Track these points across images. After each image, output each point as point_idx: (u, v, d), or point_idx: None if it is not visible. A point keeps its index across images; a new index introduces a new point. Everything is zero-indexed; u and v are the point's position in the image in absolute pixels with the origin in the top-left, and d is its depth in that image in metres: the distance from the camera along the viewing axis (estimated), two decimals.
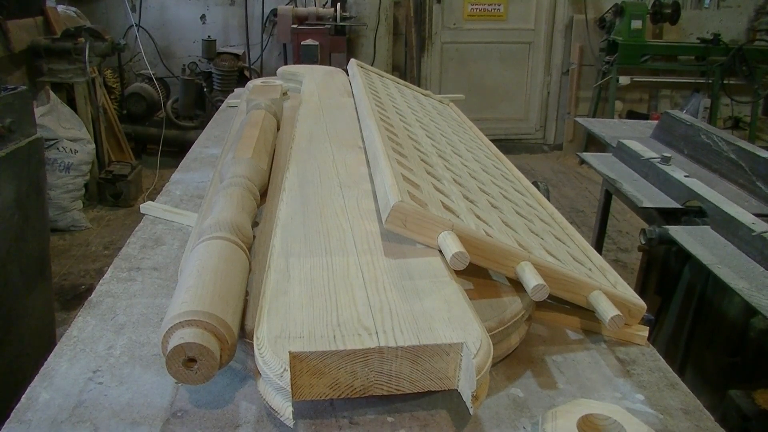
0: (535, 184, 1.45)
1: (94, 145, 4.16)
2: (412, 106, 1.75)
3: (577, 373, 0.88)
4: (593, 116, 5.74)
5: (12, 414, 0.76)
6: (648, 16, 5.46)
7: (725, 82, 5.43)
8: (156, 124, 5.17)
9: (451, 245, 0.85)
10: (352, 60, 1.99)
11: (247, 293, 0.84)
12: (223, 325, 0.70)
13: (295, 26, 5.00)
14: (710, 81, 5.51)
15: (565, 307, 1.00)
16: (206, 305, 0.71)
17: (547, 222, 1.20)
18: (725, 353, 1.77)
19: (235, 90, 2.50)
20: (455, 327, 0.74)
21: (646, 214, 1.95)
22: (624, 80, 5.50)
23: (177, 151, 4.85)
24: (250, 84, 1.89)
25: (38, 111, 3.72)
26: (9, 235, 1.98)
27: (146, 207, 1.36)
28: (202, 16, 5.66)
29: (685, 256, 1.86)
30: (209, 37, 5.34)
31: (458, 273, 0.89)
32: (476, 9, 5.86)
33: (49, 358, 0.87)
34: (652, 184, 1.98)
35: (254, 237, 0.99)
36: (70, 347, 0.89)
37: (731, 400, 1.50)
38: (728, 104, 5.70)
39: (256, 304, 0.80)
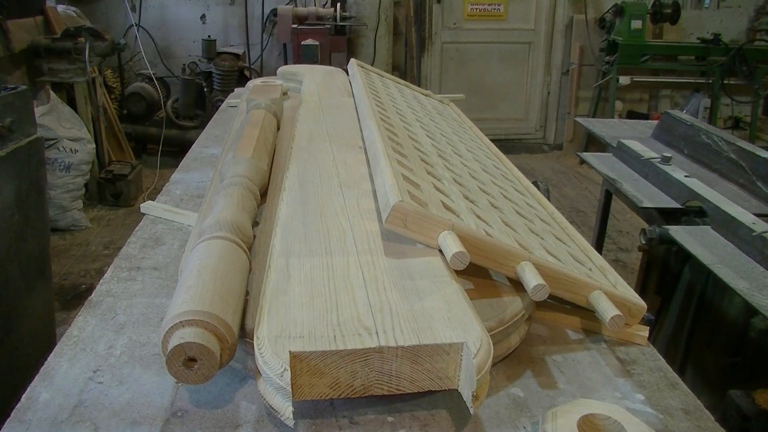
0: (535, 184, 1.45)
1: (94, 145, 4.16)
2: (412, 106, 1.75)
3: (577, 373, 0.88)
4: (593, 116, 5.74)
5: (12, 414, 0.76)
6: (648, 16, 5.46)
7: (725, 82, 5.43)
8: (156, 123, 5.17)
9: (452, 245, 0.85)
10: (352, 60, 1.99)
11: (247, 293, 0.84)
12: (223, 325, 0.70)
13: (295, 26, 5.00)
14: (710, 81, 5.51)
15: (565, 307, 1.00)
16: (206, 305, 0.71)
17: (548, 222, 1.20)
18: (725, 353, 1.77)
19: (235, 90, 2.50)
20: (455, 327, 0.74)
21: (646, 214, 1.95)
22: (624, 80, 5.50)
23: (177, 150, 4.86)
24: (250, 84, 1.89)
25: (38, 111, 3.72)
26: (9, 235, 1.98)
27: (146, 207, 1.36)
28: (202, 16, 5.66)
29: (685, 256, 1.86)
30: (209, 36, 5.34)
31: (458, 273, 0.89)
32: (476, 9, 5.86)
33: (49, 358, 0.87)
34: (652, 184, 1.98)
35: (254, 237, 0.99)
36: (70, 347, 0.89)
37: (731, 400, 1.50)
38: (728, 104, 5.70)
39: (256, 303, 0.80)
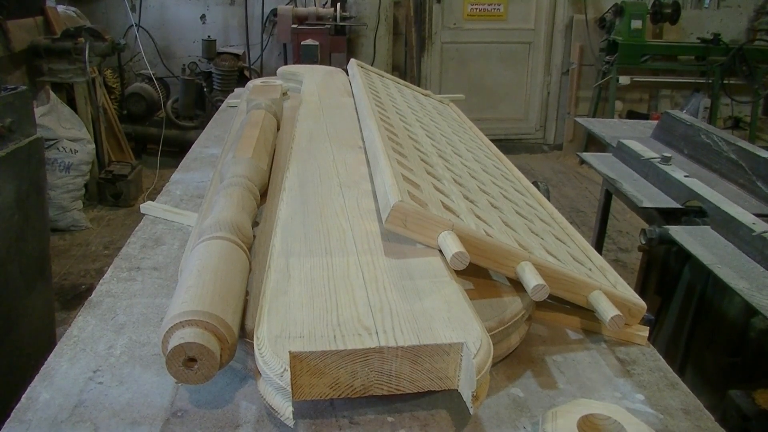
0: (535, 184, 1.45)
1: (94, 145, 4.16)
2: (412, 106, 1.75)
3: (577, 373, 0.88)
4: (593, 116, 5.74)
5: (12, 414, 0.76)
6: (648, 16, 5.46)
7: (725, 82, 5.43)
8: (156, 124, 5.17)
9: (452, 245, 0.85)
10: (352, 60, 1.99)
11: (247, 293, 0.84)
12: (223, 325, 0.70)
13: (295, 26, 5.00)
14: (710, 81, 5.51)
15: (565, 307, 1.00)
16: (206, 305, 0.71)
17: (547, 222, 1.20)
18: (725, 353, 1.77)
19: (235, 90, 2.50)
20: (455, 327, 0.74)
21: (646, 214, 1.95)
22: (624, 80, 5.50)
23: (177, 151, 4.86)
24: (250, 84, 1.89)
25: (38, 111, 3.72)
26: (9, 235, 1.98)
27: (146, 207, 1.36)
28: (202, 16, 5.66)
29: (685, 256, 1.86)
30: (209, 37, 5.34)
31: (458, 273, 0.89)
32: (476, 9, 5.86)
33: (49, 358, 0.87)
34: (652, 184, 1.98)
35: (254, 237, 0.99)
36: (70, 347, 0.89)
37: (731, 400, 1.50)
38: (728, 104, 5.70)
39: (256, 303, 0.80)
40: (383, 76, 2.01)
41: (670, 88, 6.05)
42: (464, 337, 0.73)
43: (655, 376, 0.89)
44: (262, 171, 1.16)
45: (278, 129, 1.51)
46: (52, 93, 3.96)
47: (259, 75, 5.60)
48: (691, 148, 2.19)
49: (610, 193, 2.41)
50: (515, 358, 0.91)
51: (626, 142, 2.21)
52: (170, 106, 5.20)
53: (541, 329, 0.99)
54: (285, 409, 0.69)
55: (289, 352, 0.68)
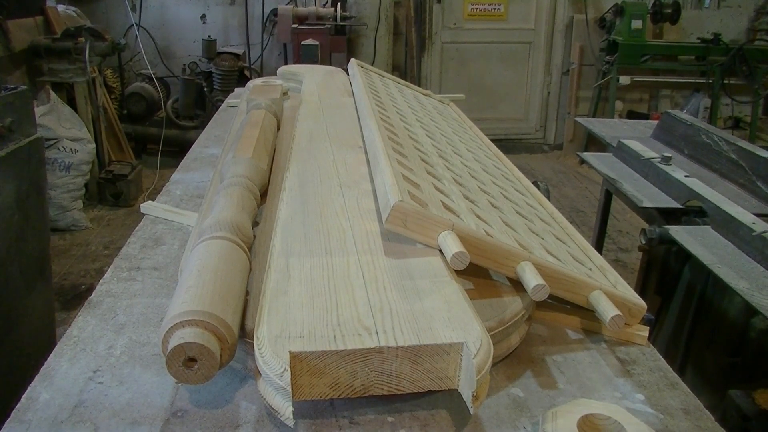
0: (535, 184, 1.45)
1: (94, 145, 4.16)
2: (412, 106, 1.75)
3: (577, 373, 0.88)
4: (593, 116, 5.74)
5: (12, 414, 0.76)
6: (648, 16, 5.46)
7: (725, 82, 5.43)
8: (156, 123, 5.17)
9: (452, 245, 0.85)
10: (353, 60, 1.99)
11: (247, 293, 0.84)
12: (223, 325, 0.70)
13: (295, 26, 5.00)
14: (710, 81, 5.51)
15: (565, 307, 1.00)
16: (206, 305, 0.71)
17: (548, 222, 1.20)
18: (725, 353, 1.77)
19: (236, 90, 2.50)
20: (455, 327, 0.74)
21: (647, 214, 1.95)
22: (624, 80, 5.50)
23: (177, 150, 4.86)
24: (250, 84, 1.89)
25: (38, 111, 3.72)
26: (9, 235, 1.98)
27: (146, 207, 1.36)
28: (203, 16, 5.66)
29: (685, 256, 1.86)
30: (209, 36, 5.34)
31: (458, 273, 0.89)
32: (476, 9, 5.86)
33: (49, 358, 0.87)
34: (652, 183, 1.98)
35: (254, 237, 0.99)
36: (70, 347, 0.89)
37: (731, 400, 1.50)
38: (728, 104, 5.70)
39: (256, 303, 0.80)
40: (383, 76, 2.01)
41: (670, 88, 6.05)
42: (464, 337, 0.73)
43: (655, 376, 0.89)
44: (262, 171, 1.16)
45: (278, 129, 1.51)
46: (52, 93, 3.96)
47: (260, 75, 5.60)
48: (691, 148, 2.19)
49: (610, 193, 2.41)
50: (515, 358, 0.91)
51: (626, 142, 2.21)
52: (170, 106, 5.20)
53: (541, 329, 0.99)
54: (285, 409, 0.69)
55: (289, 352, 0.68)
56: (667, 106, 5.98)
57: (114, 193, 4.39)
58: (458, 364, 0.73)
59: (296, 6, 5.40)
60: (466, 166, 1.32)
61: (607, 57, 5.51)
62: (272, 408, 0.71)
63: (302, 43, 4.82)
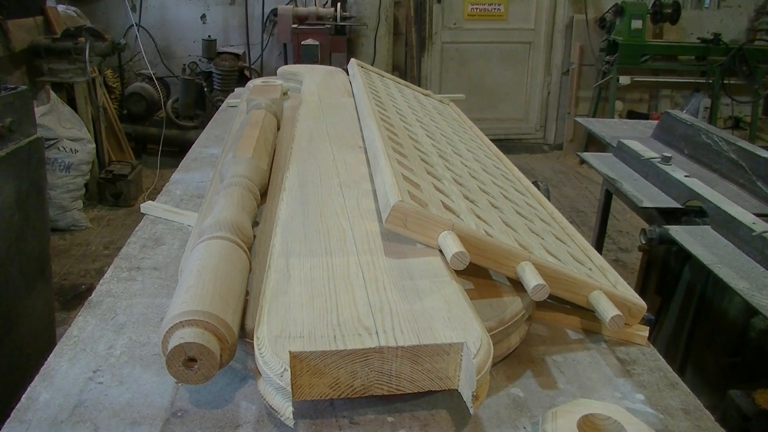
0: (535, 184, 1.45)
1: (94, 145, 4.16)
2: (412, 106, 1.75)
3: (577, 373, 0.88)
4: (593, 116, 5.74)
5: (12, 414, 0.76)
6: (648, 15, 5.46)
7: (725, 82, 5.43)
8: (156, 123, 5.17)
9: (452, 245, 0.85)
10: (353, 60, 1.99)
11: (247, 293, 0.84)
12: (223, 325, 0.70)
13: (295, 26, 5.00)
14: (710, 81, 5.51)
15: (565, 307, 1.00)
16: (206, 305, 0.71)
17: (548, 222, 1.20)
18: (725, 353, 1.77)
19: (236, 90, 2.50)
20: (455, 327, 0.74)
21: (647, 214, 1.95)
22: (624, 80, 5.50)
23: (177, 150, 4.86)
24: (250, 84, 1.89)
25: (38, 111, 3.72)
26: (9, 235, 1.97)
27: (146, 207, 1.36)
28: (203, 16, 5.66)
29: (685, 256, 1.86)
30: (209, 36, 5.34)
31: (458, 273, 0.89)
32: (476, 9, 5.86)
33: (49, 358, 0.87)
34: (652, 183, 1.98)
35: (254, 237, 0.99)
36: (70, 347, 0.89)
37: (731, 400, 1.50)
38: (728, 104, 5.70)
39: (256, 303, 0.80)
40: (383, 76, 2.01)
41: (670, 88, 6.05)
42: (464, 337, 0.73)
43: (655, 376, 0.89)
44: (262, 171, 1.16)
45: (278, 129, 1.51)
46: (52, 93, 3.96)
47: (259, 75, 5.60)
48: (691, 148, 2.19)
49: (610, 193, 2.41)
50: (515, 358, 0.91)
51: (626, 142, 2.21)
52: (170, 106, 5.20)
53: (541, 329, 0.99)
54: (285, 409, 0.69)
55: (289, 352, 0.68)
56: (667, 106, 5.98)
57: (114, 193, 4.39)
58: (458, 364, 0.73)
59: (296, 6, 5.40)
60: (466, 166, 1.32)
61: (607, 57, 5.52)
62: (272, 408, 0.71)
63: (302, 43, 4.82)
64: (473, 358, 0.70)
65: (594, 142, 5.27)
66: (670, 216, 1.82)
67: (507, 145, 5.93)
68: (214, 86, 5.32)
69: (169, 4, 5.59)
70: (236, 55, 5.33)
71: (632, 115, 5.83)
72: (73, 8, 4.92)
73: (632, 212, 2.18)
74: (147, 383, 0.82)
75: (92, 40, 4.22)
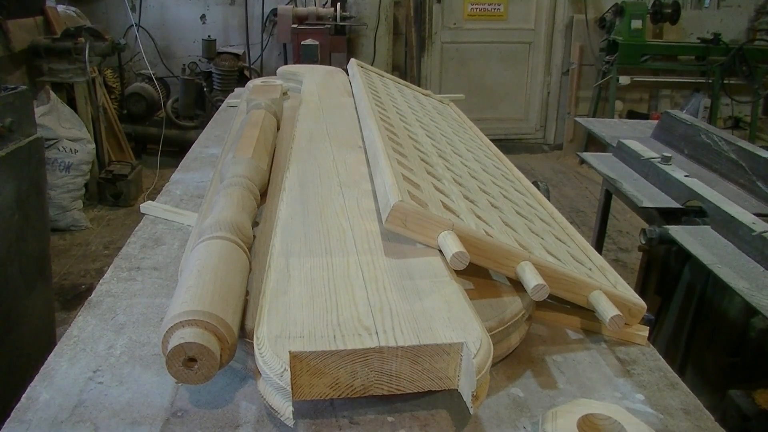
0: (535, 183, 1.45)
1: (94, 145, 4.16)
2: (412, 106, 1.75)
3: (577, 373, 0.88)
4: (593, 116, 5.74)
5: (12, 414, 0.76)
6: (648, 15, 5.46)
7: (725, 81, 5.43)
8: (156, 123, 5.17)
9: (452, 245, 0.85)
10: (352, 60, 1.99)
11: (247, 293, 0.84)
12: (223, 325, 0.70)
13: (295, 26, 5.00)
14: (710, 81, 5.51)
15: (565, 306, 1.00)
16: (206, 305, 0.71)
17: (548, 222, 1.20)
18: (725, 353, 1.77)
19: (235, 90, 2.50)
20: (455, 327, 0.74)
21: (646, 213, 1.95)
22: (624, 80, 5.50)
23: (177, 150, 4.86)
24: (250, 84, 1.89)
25: (38, 111, 3.72)
26: (9, 235, 1.98)
27: (146, 207, 1.36)
28: (202, 16, 5.66)
29: (685, 256, 1.86)
30: (209, 36, 5.34)
31: (458, 273, 0.89)
32: (476, 9, 5.86)
33: (49, 358, 0.87)
34: (652, 183, 1.98)
35: (254, 237, 0.99)
36: (70, 347, 0.89)
37: (731, 400, 1.50)
38: (728, 104, 5.70)
39: (256, 303, 0.80)
40: (383, 76, 2.01)
41: (670, 88, 6.05)
42: (464, 337, 0.73)
43: (655, 376, 0.89)
44: (262, 171, 1.16)
45: (278, 129, 1.51)
46: (52, 93, 3.96)
47: (259, 75, 5.60)
48: (691, 148, 2.19)
49: (610, 193, 2.41)
50: (515, 358, 0.91)
51: (626, 142, 2.21)
52: (170, 106, 5.20)
53: (541, 329, 0.99)
54: (285, 409, 0.69)
55: (289, 352, 0.68)
56: (667, 106, 5.98)
57: (114, 193, 4.39)
58: (458, 364, 0.73)
59: (296, 6, 5.40)
60: (466, 166, 1.32)
61: (607, 57, 5.52)
62: (272, 408, 0.71)
63: (302, 43, 4.82)
64: (473, 358, 0.70)
65: (594, 142, 5.27)
66: (670, 216, 1.82)
67: (507, 145, 5.93)
68: (214, 86, 5.32)
69: (169, 4, 5.59)
70: (236, 55, 5.33)
71: (632, 115, 5.83)
72: (73, 8, 4.92)
73: (632, 212, 2.19)
74: (147, 383, 0.82)
75: (92, 40, 4.22)
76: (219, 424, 0.75)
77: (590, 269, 1.03)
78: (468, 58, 6.02)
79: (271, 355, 0.69)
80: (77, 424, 0.75)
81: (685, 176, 1.87)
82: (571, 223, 1.25)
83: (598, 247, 2.62)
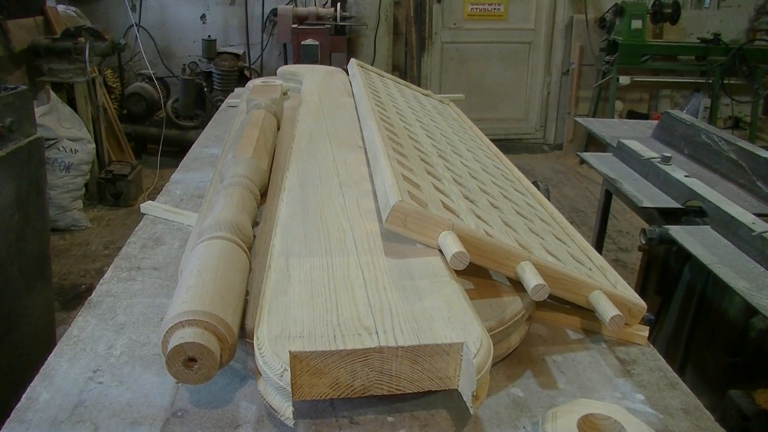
0: (535, 183, 1.45)
1: (94, 145, 4.16)
2: (412, 106, 1.75)
3: (577, 373, 0.88)
4: (593, 116, 5.74)
5: (12, 414, 0.76)
6: (648, 15, 5.46)
7: (725, 81, 5.43)
8: (156, 123, 5.17)
9: (452, 245, 0.85)
10: (352, 60, 1.99)
11: (247, 293, 0.84)
12: (223, 325, 0.70)
13: (295, 26, 5.00)
14: (710, 81, 5.51)
15: (565, 306, 1.00)
16: (206, 305, 0.71)
17: (548, 222, 1.20)
18: (725, 353, 1.77)
19: (235, 90, 2.50)
20: (455, 327, 0.74)
21: (646, 213, 1.95)
22: (624, 80, 5.50)
23: (177, 150, 4.86)
24: (250, 84, 1.89)
25: (38, 111, 3.72)
26: (9, 235, 1.97)
27: (146, 207, 1.36)
28: (202, 16, 5.66)
29: (685, 256, 1.86)
30: (209, 36, 5.34)
31: (458, 273, 0.89)
32: (476, 9, 5.86)
33: (49, 358, 0.87)
34: (652, 183, 1.98)
35: (254, 237, 0.99)
36: (70, 347, 0.89)
37: (731, 400, 1.50)
38: (728, 104, 5.70)
39: (256, 303, 0.80)
40: (383, 76, 2.01)
41: (670, 88, 6.05)
42: (464, 337, 0.73)
43: (655, 376, 0.89)
44: (262, 171, 1.16)
45: (278, 129, 1.51)
46: (52, 93, 3.96)
47: (259, 75, 5.60)
48: (691, 148, 2.19)
49: (610, 193, 2.41)
50: (515, 358, 0.91)
51: (626, 142, 2.21)
52: (170, 106, 5.20)
53: (541, 329, 0.99)
54: (285, 409, 0.69)
55: (289, 352, 0.68)
56: (667, 106, 5.98)
57: (114, 193, 4.40)
58: (458, 364, 0.73)
59: (296, 6, 5.40)
60: (466, 166, 1.32)
61: (607, 57, 5.52)
62: (272, 408, 0.71)
63: (302, 43, 4.82)
64: (473, 358, 0.70)
65: (594, 142, 5.27)
66: (670, 216, 1.82)
67: (507, 145, 5.93)
68: (214, 86, 5.32)
69: (169, 4, 5.59)
70: (236, 55, 5.33)
71: (632, 115, 5.83)
72: (73, 8, 4.92)
73: (632, 212, 2.19)
74: (147, 383, 0.82)
75: (92, 40, 4.22)
76: (219, 424, 0.75)
77: (590, 269, 1.03)
78: (468, 58, 6.02)
79: (271, 355, 0.69)
80: (77, 424, 0.75)
81: (685, 176, 1.87)
82: (571, 223, 1.25)
83: (598, 247, 2.62)
